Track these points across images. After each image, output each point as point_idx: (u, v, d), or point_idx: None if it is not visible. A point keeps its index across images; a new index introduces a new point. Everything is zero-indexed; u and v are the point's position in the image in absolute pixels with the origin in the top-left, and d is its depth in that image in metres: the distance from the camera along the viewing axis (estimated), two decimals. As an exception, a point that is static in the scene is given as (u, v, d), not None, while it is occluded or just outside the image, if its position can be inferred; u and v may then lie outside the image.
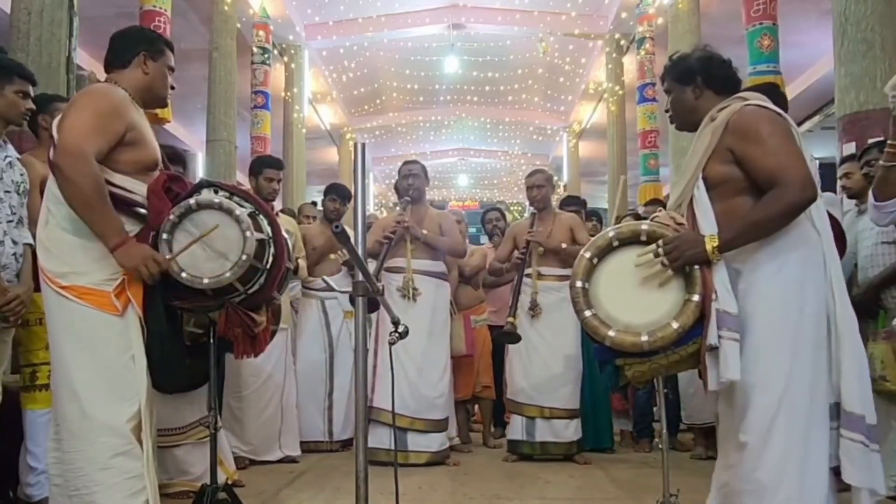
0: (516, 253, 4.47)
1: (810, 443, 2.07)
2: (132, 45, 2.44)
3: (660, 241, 2.17)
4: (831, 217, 3.45)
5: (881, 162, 3.06)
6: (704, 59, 2.34)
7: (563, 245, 4.44)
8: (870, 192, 3.23)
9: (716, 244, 2.11)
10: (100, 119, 2.22)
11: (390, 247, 4.29)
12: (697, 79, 2.33)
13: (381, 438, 4.19)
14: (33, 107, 2.86)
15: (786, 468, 2.06)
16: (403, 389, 4.22)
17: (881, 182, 3.08)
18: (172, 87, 2.56)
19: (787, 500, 2.04)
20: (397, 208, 4.72)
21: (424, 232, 4.39)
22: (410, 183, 4.45)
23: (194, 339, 2.46)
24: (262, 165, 4.36)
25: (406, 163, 4.62)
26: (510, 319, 4.29)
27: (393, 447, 4.02)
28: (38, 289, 2.43)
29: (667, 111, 2.46)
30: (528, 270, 4.48)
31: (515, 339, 4.29)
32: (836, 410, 2.12)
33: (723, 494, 2.25)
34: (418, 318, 4.26)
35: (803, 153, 2.15)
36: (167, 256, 2.26)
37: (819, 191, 2.18)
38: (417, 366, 4.28)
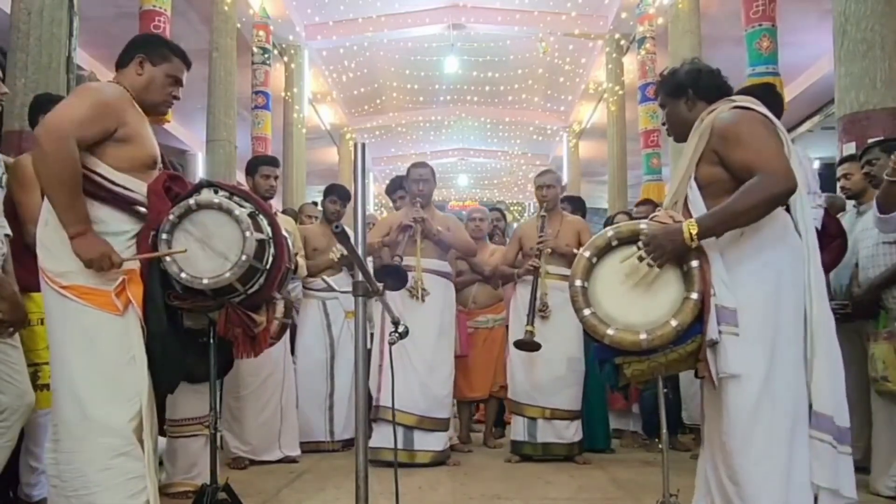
0: (528, 263, 4.39)
1: (795, 442, 2.08)
2: (134, 48, 2.48)
3: (639, 244, 2.19)
4: (831, 216, 3.49)
5: (885, 176, 3.13)
6: (693, 73, 2.42)
7: (575, 251, 4.42)
8: (874, 203, 3.28)
9: (695, 231, 2.12)
10: (90, 110, 2.23)
11: (410, 236, 4.27)
12: (689, 91, 2.40)
13: (388, 438, 4.16)
14: (6, 90, 2.84)
15: (770, 468, 2.06)
16: (414, 388, 4.21)
17: (885, 195, 3.18)
18: (176, 97, 2.52)
19: (771, 501, 2.04)
20: (402, 210, 4.70)
21: (439, 228, 4.37)
22: (421, 189, 4.41)
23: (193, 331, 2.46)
24: (257, 164, 4.37)
25: (415, 166, 4.54)
26: (529, 328, 4.19)
27: (396, 446, 3.99)
28: (38, 289, 2.43)
29: (663, 124, 2.53)
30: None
31: (535, 347, 4.18)
32: (809, 413, 2.13)
33: (709, 493, 2.26)
34: (428, 317, 4.26)
35: (785, 151, 2.18)
36: (164, 253, 2.26)
37: (799, 185, 2.18)
38: (428, 365, 4.27)
